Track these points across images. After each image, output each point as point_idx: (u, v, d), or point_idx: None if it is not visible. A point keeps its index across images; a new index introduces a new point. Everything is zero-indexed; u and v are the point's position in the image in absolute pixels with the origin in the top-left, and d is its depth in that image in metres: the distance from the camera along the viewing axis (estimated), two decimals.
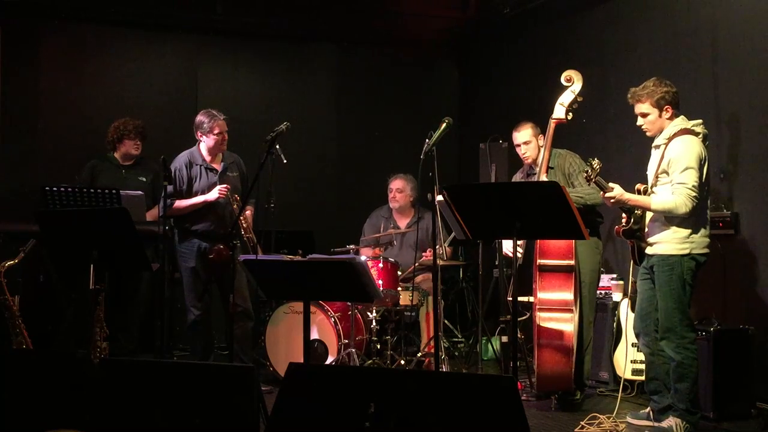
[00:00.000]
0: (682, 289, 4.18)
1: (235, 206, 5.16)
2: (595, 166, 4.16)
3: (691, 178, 4.08)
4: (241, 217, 5.04)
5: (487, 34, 7.94)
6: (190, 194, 5.34)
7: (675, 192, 4.10)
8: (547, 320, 4.75)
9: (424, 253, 5.97)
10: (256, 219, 5.39)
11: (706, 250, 4.23)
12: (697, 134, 4.21)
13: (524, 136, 5.16)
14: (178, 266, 5.49)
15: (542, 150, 5.05)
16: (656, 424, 4.32)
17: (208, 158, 5.39)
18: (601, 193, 4.25)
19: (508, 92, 7.57)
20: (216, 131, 5.30)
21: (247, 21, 7.59)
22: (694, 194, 4.09)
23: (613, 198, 4.19)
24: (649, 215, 4.31)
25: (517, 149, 5.24)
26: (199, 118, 5.34)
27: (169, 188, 5.19)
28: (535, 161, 5.16)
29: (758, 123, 4.96)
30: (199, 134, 5.35)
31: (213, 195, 5.24)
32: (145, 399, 3.36)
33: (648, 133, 4.35)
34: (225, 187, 5.22)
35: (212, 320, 5.54)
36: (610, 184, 4.19)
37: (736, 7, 5.15)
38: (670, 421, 4.22)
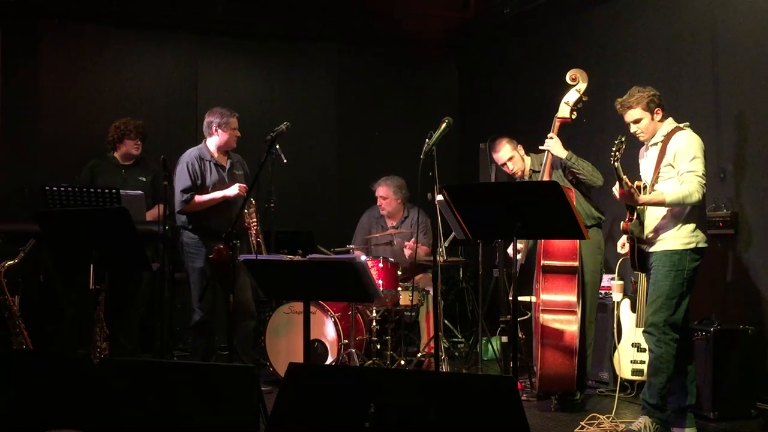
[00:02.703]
0: (680, 285, 4.17)
1: (252, 209, 5.21)
2: (623, 140, 4.01)
3: (700, 167, 4.12)
4: (254, 218, 5.16)
5: (487, 34, 7.93)
6: (203, 188, 5.36)
7: (685, 181, 4.10)
8: (550, 322, 4.75)
9: (405, 248, 6.01)
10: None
11: (706, 245, 4.23)
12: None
13: (505, 153, 5.24)
14: (184, 266, 5.49)
15: (527, 159, 5.15)
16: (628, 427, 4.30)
17: (216, 155, 5.44)
18: (617, 186, 4.14)
19: (508, 92, 7.56)
20: (233, 126, 5.38)
21: (247, 21, 7.59)
22: (704, 182, 4.11)
23: (629, 192, 4.09)
24: (650, 212, 4.29)
25: (504, 168, 5.30)
26: (213, 114, 5.40)
27: (187, 183, 5.26)
28: (524, 172, 5.24)
29: (758, 123, 4.96)
30: (214, 128, 5.38)
31: (233, 191, 5.26)
32: (145, 399, 3.35)
33: (642, 138, 4.35)
34: (244, 186, 5.24)
35: (215, 321, 5.53)
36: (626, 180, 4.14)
37: (736, 7, 5.14)
38: (640, 423, 4.20)
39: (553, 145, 4.91)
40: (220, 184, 5.35)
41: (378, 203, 6.44)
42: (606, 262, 5.83)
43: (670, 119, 4.31)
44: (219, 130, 5.37)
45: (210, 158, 5.41)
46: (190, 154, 5.40)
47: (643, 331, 4.31)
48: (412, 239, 6.07)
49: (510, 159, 5.22)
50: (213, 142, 5.41)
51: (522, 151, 5.23)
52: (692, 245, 4.18)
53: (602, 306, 5.46)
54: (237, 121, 5.43)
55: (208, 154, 5.42)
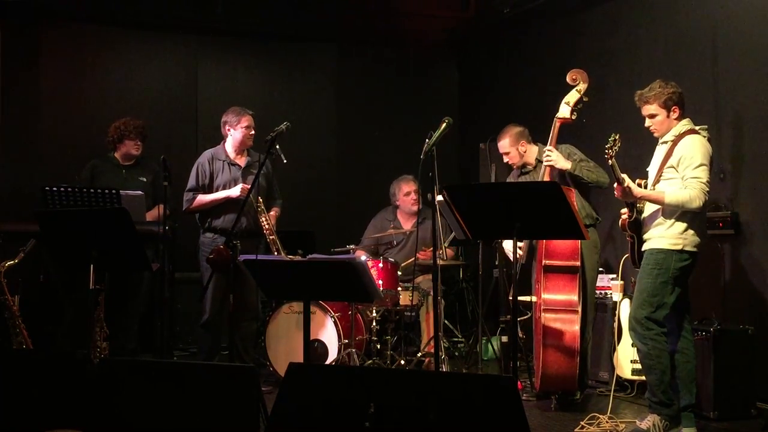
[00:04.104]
0: (663, 284, 4.16)
1: (262, 210, 5.22)
2: (617, 138, 4.06)
3: (705, 174, 4.11)
4: (264, 218, 5.18)
5: (487, 34, 7.93)
6: (212, 189, 5.41)
7: (689, 186, 4.09)
8: (552, 321, 4.75)
9: (419, 254, 5.97)
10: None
11: (695, 249, 4.19)
12: (703, 137, 4.23)
13: (503, 146, 5.27)
14: (200, 266, 5.49)
15: (533, 149, 5.16)
16: (637, 424, 4.30)
17: (232, 155, 5.48)
18: (616, 184, 4.18)
19: (508, 92, 7.57)
20: (244, 124, 5.41)
21: (247, 21, 7.60)
22: (707, 189, 4.11)
23: (626, 188, 4.13)
24: (647, 211, 4.30)
25: (503, 156, 5.33)
26: (226, 114, 5.47)
27: (192, 183, 5.35)
28: (525, 165, 5.25)
29: (758, 123, 4.96)
30: (227, 128, 5.44)
31: (236, 191, 5.30)
32: (145, 399, 3.36)
33: (656, 134, 4.34)
34: (246, 186, 5.23)
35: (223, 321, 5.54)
36: (624, 175, 4.17)
37: (736, 8, 5.15)
38: (648, 422, 4.20)
39: (557, 159, 4.88)
40: (234, 184, 5.38)
41: (411, 198, 6.33)
42: (606, 262, 5.83)
43: (687, 120, 4.27)
44: (231, 130, 5.43)
45: (224, 158, 5.46)
46: (205, 154, 5.52)
47: (629, 329, 4.32)
48: (428, 249, 5.94)
49: (506, 153, 5.26)
50: (228, 142, 5.49)
51: (524, 147, 5.19)
52: (679, 247, 4.16)
53: (602, 306, 5.47)
54: (252, 119, 5.45)
55: (222, 154, 5.47)
